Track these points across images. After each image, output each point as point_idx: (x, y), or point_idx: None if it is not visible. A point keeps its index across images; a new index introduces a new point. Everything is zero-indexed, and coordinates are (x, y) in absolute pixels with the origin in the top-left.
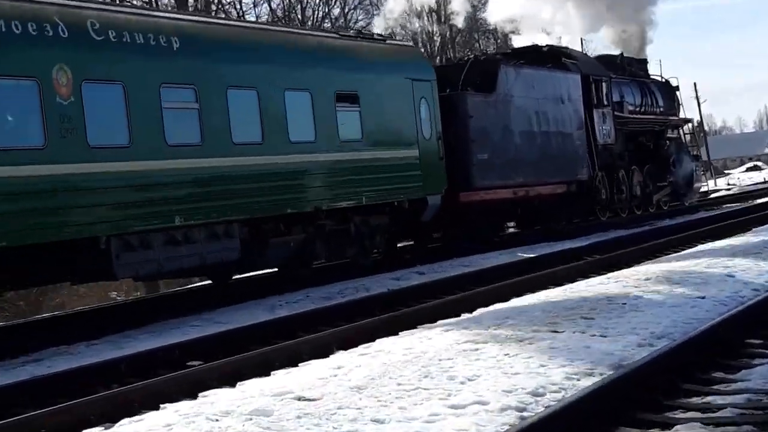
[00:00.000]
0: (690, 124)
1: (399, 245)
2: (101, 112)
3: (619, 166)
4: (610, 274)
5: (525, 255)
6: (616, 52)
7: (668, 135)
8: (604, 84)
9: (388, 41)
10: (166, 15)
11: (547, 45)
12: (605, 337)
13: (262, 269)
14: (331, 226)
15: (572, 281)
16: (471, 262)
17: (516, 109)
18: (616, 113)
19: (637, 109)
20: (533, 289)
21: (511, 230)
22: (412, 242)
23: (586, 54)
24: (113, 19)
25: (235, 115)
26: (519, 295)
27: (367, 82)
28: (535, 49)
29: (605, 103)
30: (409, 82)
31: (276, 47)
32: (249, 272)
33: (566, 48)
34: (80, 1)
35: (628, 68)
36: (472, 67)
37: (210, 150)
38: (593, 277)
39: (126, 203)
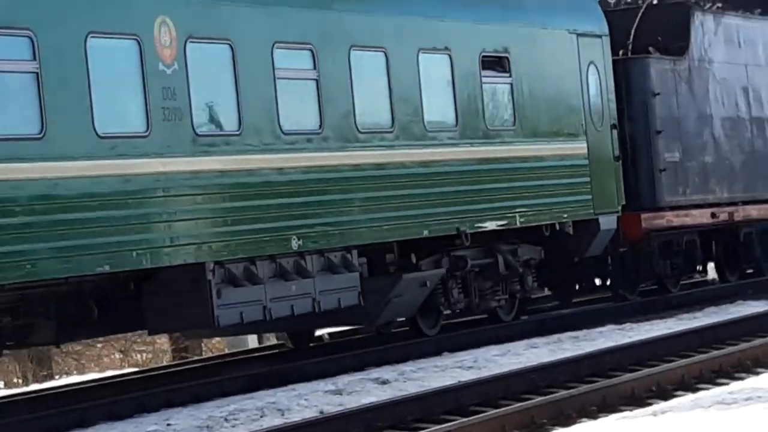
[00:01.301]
0: None
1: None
2: (207, 84)
3: None
4: (734, 386)
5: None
6: None
7: None
8: None
9: None
10: None
11: None
12: None
13: (385, 320)
14: (475, 259)
15: (664, 397)
16: (477, 359)
17: (716, 83)
18: None
19: None
20: (590, 413)
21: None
22: (548, 292)
23: None
24: None
25: (360, 87)
26: (566, 422)
27: (520, 38)
28: None
29: None
30: (573, 39)
31: None
32: (363, 324)
33: None
34: None
35: None
36: (649, 15)
37: (330, 139)
38: (705, 390)
39: (235, 215)
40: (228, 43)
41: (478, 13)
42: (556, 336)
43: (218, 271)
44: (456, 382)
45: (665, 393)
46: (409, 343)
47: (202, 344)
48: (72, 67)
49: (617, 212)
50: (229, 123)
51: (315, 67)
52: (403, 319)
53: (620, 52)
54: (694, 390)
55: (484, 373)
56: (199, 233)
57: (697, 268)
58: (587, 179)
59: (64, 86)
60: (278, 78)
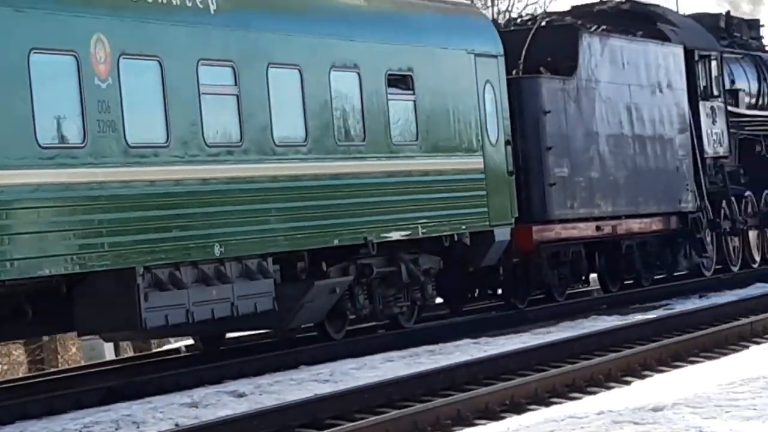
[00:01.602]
0: None
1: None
2: (138, 99)
3: (730, 192)
4: (587, 400)
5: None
6: (716, 9)
7: None
8: (713, 63)
9: None
10: None
11: None
12: None
13: (297, 324)
14: (380, 267)
15: (518, 411)
16: (333, 372)
17: (602, 102)
18: (729, 108)
19: (754, 102)
20: (445, 427)
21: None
22: (441, 300)
23: (682, 15)
24: None
25: (277, 103)
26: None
27: (423, 57)
28: (612, 6)
29: (715, 92)
30: (471, 59)
31: (319, 8)
32: (275, 328)
33: (655, 5)
34: None
35: (737, 37)
36: (539, 36)
37: (250, 152)
38: (558, 404)
39: (162, 223)
40: (157, 60)
41: (384, 33)
42: (412, 350)
43: (146, 276)
44: (312, 395)
45: (519, 407)
46: (266, 356)
47: (59, 356)
48: (15, 81)
49: (511, 224)
50: (158, 135)
51: (236, 83)
52: (312, 324)
53: (513, 72)
54: (548, 404)
55: (341, 387)
56: (130, 240)
57: (582, 278)
58: (483, 193)
59: (8, 99)
60: (202, 93)
